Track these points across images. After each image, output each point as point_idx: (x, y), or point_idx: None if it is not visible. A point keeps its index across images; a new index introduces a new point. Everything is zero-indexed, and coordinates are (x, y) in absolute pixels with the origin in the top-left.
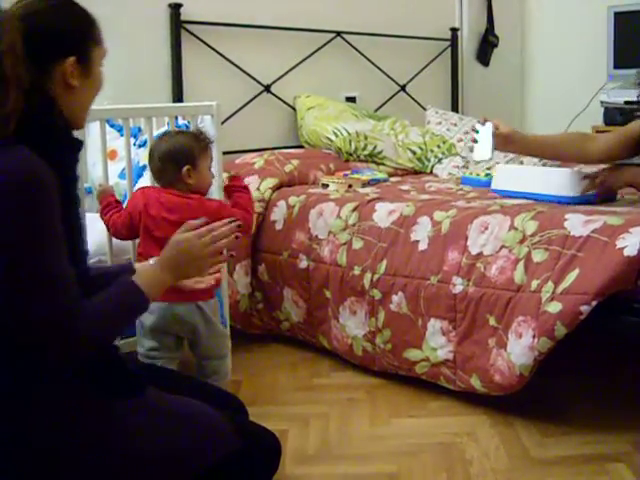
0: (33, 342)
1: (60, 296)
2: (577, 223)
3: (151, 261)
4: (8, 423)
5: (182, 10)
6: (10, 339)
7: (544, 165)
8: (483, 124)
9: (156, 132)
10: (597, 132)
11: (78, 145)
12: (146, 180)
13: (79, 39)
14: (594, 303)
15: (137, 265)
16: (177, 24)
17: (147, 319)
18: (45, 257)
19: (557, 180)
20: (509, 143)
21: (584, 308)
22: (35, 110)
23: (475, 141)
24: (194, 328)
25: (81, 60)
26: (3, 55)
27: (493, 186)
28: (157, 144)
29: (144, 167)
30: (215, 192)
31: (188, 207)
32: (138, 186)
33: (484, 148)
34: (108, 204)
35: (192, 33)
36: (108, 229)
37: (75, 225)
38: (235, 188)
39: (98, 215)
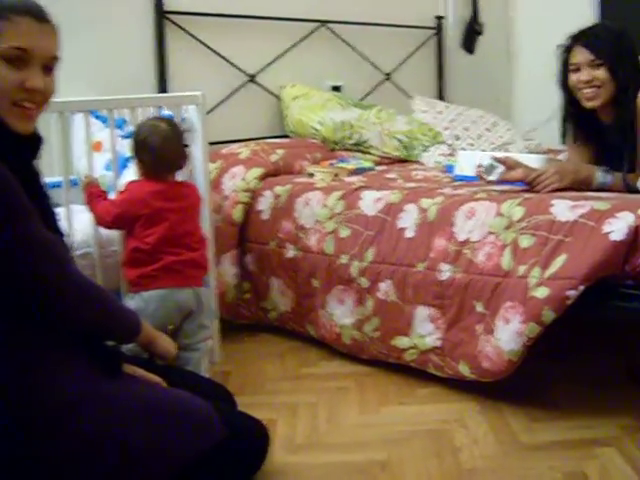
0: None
1: (49, 255)
2: (564, 208)
3: None
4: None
5: (165, 0)
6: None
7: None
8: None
9: None
10: None
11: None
12: (131, 172)
13: None
14: (581, 288)
15: None
16: (160, 14)
17: (144, 310)
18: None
19: None
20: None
21: (571, 293)
22: None
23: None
24: (188, 314)
25: None
26: None
27: (456, 172)
28: (167, 129)
29: (129, 159)
30: (200, 181)
31: (185, 195)
32: (123, 178)
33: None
34: (93, 194)
35: (176, 23)
36: (96, 216)
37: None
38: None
39: (84, 207)
